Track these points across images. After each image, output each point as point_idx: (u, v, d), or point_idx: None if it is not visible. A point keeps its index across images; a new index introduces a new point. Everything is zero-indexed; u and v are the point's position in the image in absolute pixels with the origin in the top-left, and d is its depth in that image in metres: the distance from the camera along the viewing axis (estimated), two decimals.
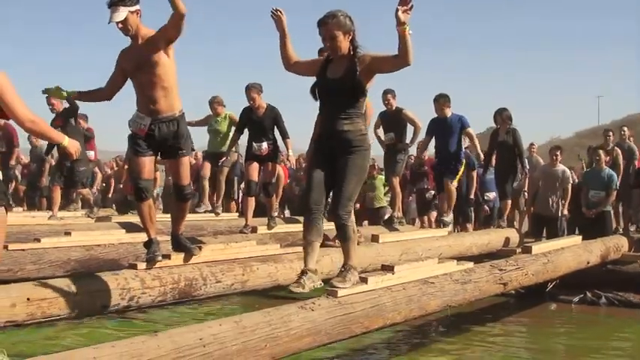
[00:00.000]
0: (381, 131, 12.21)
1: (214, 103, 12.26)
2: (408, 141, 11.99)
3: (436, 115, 11.63)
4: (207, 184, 12.25)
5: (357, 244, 8.82)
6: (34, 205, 17.07)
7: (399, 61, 5.54)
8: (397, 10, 5.28)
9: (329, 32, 5.70)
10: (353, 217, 5.82)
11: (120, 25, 6.25)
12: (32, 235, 8.31)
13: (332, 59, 5.89)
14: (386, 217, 12.91)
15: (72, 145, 4.67)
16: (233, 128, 11.59)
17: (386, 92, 12.08)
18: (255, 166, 10.30)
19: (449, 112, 11.48)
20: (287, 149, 10.69)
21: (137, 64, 6.39)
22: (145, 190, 6.51)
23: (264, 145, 10.13)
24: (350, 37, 5.76)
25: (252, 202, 10.39)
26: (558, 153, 13.25)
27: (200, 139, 12.69)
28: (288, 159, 11.32)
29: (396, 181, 12.13)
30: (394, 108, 12.00)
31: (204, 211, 11.83)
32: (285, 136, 10.39)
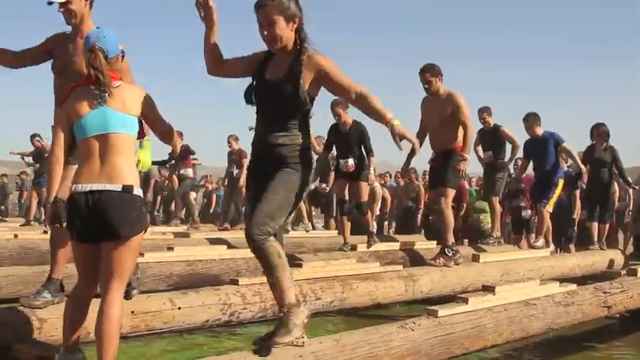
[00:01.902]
0: (480, 149, 12.12)
1: None
2: (506, 159, 11.86)
3: (528, 136, 11.34)
4: (302, 204, 12.29)
5: (456, 264, 8.79)
6: None
7: (353, 102, 4.57)
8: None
9: (266, 17, 4.43)
10: (275, 242, 4.39)
11: (61, 9, 5.27)
12: None
13: (273, 54, 4.62)
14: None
15: None
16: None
17: (481, 110, 12.01)
18: (344, 183, 10.25)
19: (540, 131, 11.15)
20: (368, 166, 10.18)
21: (72, 68, 5.28)
22: None
23: (350, 161, 9.95)
24: (295, 26, 4.50)
25: (346, 220, 10.36)
26: None
27: None
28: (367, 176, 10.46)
29: (496, 200, 12.00)
30: (491, 125, 11.89)
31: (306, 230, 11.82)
32: (368, 152, 10.06)
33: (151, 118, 4.44)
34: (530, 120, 11.10)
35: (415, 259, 9.67)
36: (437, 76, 8.81)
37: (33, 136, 16.15)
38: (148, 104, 4.38)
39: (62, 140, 4.35)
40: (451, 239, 8.86)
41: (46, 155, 15.85)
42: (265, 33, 4.43)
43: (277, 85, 4.46)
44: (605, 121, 11.83)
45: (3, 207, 23.41)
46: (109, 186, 4.12)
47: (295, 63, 4.46)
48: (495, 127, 11.88)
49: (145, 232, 4.30)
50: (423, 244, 10.61)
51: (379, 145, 9.88)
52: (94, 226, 4.11)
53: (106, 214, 4.08)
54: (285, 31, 4.45)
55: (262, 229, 4.30)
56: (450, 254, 8.75)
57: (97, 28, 4.58)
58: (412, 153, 9.43)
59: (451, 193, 8.79)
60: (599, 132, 11.70)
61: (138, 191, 4.19)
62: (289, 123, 4.48)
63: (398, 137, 4.26)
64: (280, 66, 4.52)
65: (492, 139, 11.83)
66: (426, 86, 8.85)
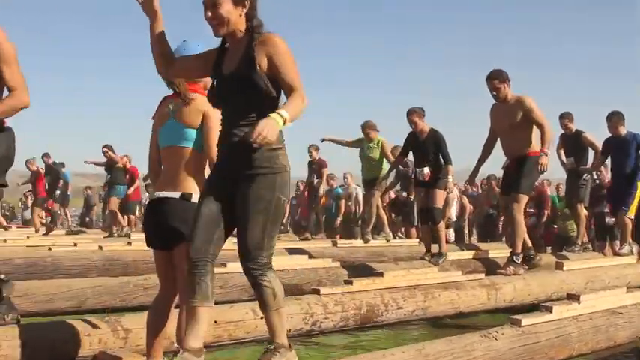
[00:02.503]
0: (562, 154, 11.96)
1: (367, 127, 12.10)
2: (588, 165, 11.65)
3: (610, 135, 10.98)
4: (382, 212, 12.25)
5: (535, 267, 8.64)
6: None
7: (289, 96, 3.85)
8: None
9: None
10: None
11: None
12: (218, 259, 8.51)
13: (227, 47, 4.11)
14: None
15: None
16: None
17: (562, 116, 11.88)
18: (422, 192, 10.16)
19: (623, 131, 10.78)
20: (446, 174, 9.95)
21: None
22: None
23: (426, 170, 9.82)
24: (244, 10, 3.96)
25: (427, 228, 10.26)
26: None
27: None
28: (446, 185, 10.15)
29: (580, 206, 11.82)
30: (573, 131, 11.72)
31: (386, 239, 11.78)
32: (446, 161, 9.87)
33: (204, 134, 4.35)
34: (614, 119, 10.77)
35: (497, 267, 9.56)
36: (505, 82, 8.67)
37: (104, 147, 16.48)
38: (195, 117, 4.36)
39: (154, 153, 4.55)
40: (520, 247, 8.71)
41: (117, 165, 16.25)
42: (209, 14, 3.91)
43: (233, 77, 3.97)
44: None
45: (88, 219, 23.89)
46: (170, 194, 4.28)
47: (248, 49, 3.92)
48: (577, 132, 11.71)
49: None
50: (505, 252, 10.49)
51: (461, 153, 9.78)
52: (160, 232, 4.30)
53: (166, 219, 4.25)
54: (233, 14, 3.92)
55: (257, 262, 3.99)
56: (518, 261, 8.63)
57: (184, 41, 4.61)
58: (480, 162, 9.40)
59: (523, 199, 8.62)
60: None
61: (197, 198, 4.20)
62: (254, 118, 3.87)
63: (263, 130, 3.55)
64: (234, 57, 4.02)
65: (574, 145, 11.67)
66: (494, 93, 8.71)
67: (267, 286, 4.02)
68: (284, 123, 3.61)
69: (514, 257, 8.61)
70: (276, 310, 4.13)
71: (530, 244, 8.98)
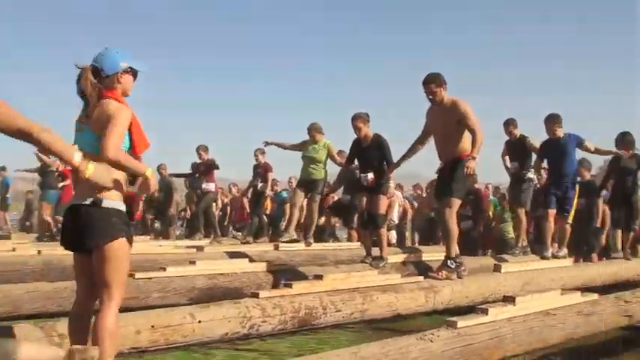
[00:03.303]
0: (507, 159, 12.11)
1: (312, 129, 12.01)
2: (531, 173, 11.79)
3: (547, 137, 10.99)
4: (296, 212, 12.18)
5: (459, 276, 8.60)
6: (161, 234, 17.59)
7: None
8: None
9: None
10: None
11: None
12: (158, 263, 8.49)
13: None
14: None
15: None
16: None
17: (507, 123, 12.02)
18: (364, 196, 10.18)
19: (561, 133, 10.78)
20: (387, 179, 10.17)
21: None
22: None
23: (370, 175, 9.78)
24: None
25: (367, 233, 10.28)
26: None
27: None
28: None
29: (522, 210, 11.96)
30: (518, 136, 11.87)
31: (289, 240, 11.60)
32: (388, 165, 9.81)
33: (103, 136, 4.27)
34: (551, 121, 10.77)
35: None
36: (441, 86, 8.65)
37: (37, 151, 16.28)
38: (104, 122, 4.29)
39: None
40: (454, 251, 8.66)
41: (50, 169, 16.07)
42: None
43: None
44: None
45: (28, 223, 23.55)
46: (81, 200, 4.32)
47: None
48: (522, 137, 11.86)
49: (130, 243, 4.43)
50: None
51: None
52: (75, 238, 4.36)
53: (77, 225, 4.31)
54: None
55: None
56: (452, 266, 8.56)
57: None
58: (403, 158, 9.40)
59: (456, 203, 8.56)
60: (625, 141, 11.53)
61: (110, 204, 4.29)
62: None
63: None
64: None
65: (519, 150, 11.82)
66: (431, 97, 8.68)
67: None
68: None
69: (448, 261, 8.57)
70: None
71: (458, 250, 8.92)
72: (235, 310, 6.16)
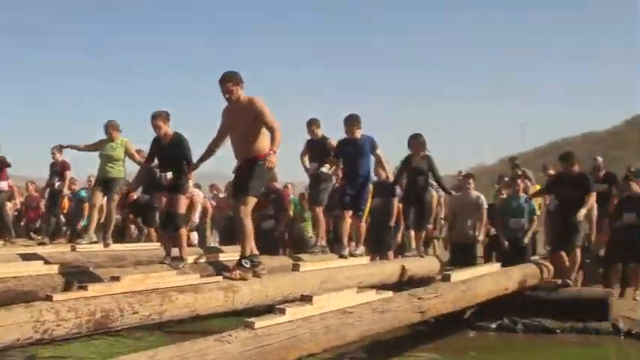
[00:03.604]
0: (306, 160, 12.23)
1: (110, 127, 11.78)
2: (332, 171, 11.90)
3: (345, 137, 11.08)
4: (95, 213, 11.96)
5: (257, 275, 8.53)
6: None
7: None
8: None
9: None
10: None
11: None
12: None
13: None
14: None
15: None
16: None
17: (310, 122, 12.09)
18: (165, 196, 10.04)
19: (359, 133, 10.94)
20: (187, 178, 9.95)
21: None
22: None
23: (169, 174, 9.76)
24: None
25: (167, 233, 10.05)
26: (471, 180, 13.69)
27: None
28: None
29: (319, 209, 12.11)
30: (320, 136, 12.01)
31: (89, 243, 11.35)
32: (188, 163, 9.74)
33: None
34: (350, 121, 10.88)
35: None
36: (238, 84, 8.61)
37: None
38: None
39: None
40: (249, 250, 8.55)
41: None
42: None
43: None
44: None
45: None
46: None
47: None
48: (323, 138, 11.97)
49: None
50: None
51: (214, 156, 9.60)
52: None
53: None
54: None
55: None
56: (247, 265, 8.40)
57: None
58: (201, 160, 9.34)
59: (251, 202, 8.46)
60: (417, 142, 11.88)
61: None
62: None
63: None
64: None
65: (320, 150, 11.89)
66: (227, 95, 8.60)
67: None
68: None
69: (243, 261, 8.46)
70: None
71: (255, 250, 8.89)
72: (27, 314, 5.91)
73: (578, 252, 11.68)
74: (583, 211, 11.52)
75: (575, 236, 11.68)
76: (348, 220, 10.98)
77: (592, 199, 11.75)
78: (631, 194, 13.00)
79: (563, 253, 11.76)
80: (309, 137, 12.19)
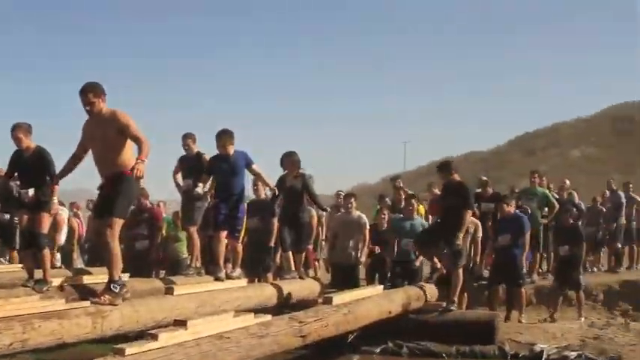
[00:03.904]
0: (179, 177, 12.10)
1: None
2: (207, 189, 11.68)
3: (217, 152, 10.86)
4: None
5: (125, 299, 8.40)
6: None
7: None
8: None
9: None
10: None
11: None
12: None
13: None
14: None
15: None
16: None
17: (185, 136, 11.99)
18: (26, 214, 9.70)
19: (231, 150, 10.71)
20: (51, 195, 9.62)
21: None
22: None
23: (31, 192, 9.37)
24: None
25: (29, 253, 9.79)
26: (352, 200, 13.80)
27: None
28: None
29: (193, 229, 12.00)
30: (195, 152, 11.89)
31: None
32: (52, 179, 9.39)
33: None
34: (223, 138, 10.67)
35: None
36: (100, 96, 8.38)
37: None
38: None
39: None
40: (118, 273, 8.29)
41: None
42: None
43: None
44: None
45: None
46: None
47: None
48: (198, 154, 11.86)
49: None
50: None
51: (72, 174, 9.34)
52: None
53: None
54: None
55: None
56: (116, 290, 8.15)
57: None
58: (59, 176, 9.11)
59: (118, 223, 8.19)
60: (291, 161, 11.77)
61: None
62: None
63: None
64: None
65: (194, 166, 11.77)
66: (88, 108, 8.37)
67: None
68: None
69: (111, 285, 8.25)
70: None
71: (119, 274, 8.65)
72: None
73: (461, 272, 11.81)
74: (460, 236, 11.59)
75: (453, 248, 11.68)
76: (224, 241, 10.79)
77: (467, 217, 11.69)
78: (504, 215, 13.44)
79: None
80: (183, 153, 12.06)
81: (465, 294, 12.93)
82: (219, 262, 10.78)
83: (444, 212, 12.24)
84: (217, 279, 10.59)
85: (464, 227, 11.65)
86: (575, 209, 15.75)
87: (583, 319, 13.69)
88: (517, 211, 13.99)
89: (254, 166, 11.00)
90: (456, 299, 11.81)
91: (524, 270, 14.25)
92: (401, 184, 16.86)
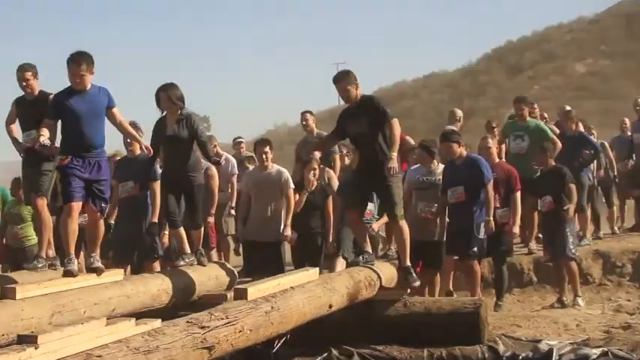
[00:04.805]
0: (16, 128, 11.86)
1: None
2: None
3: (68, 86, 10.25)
4: None
5: None
6: None
7: None
8: None
9: None
10: None
11: None
12: None
13: None
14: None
15: None
16: None
17: (22, 68, 11.81)
18: None
19: (90, 81, 10.09)
20: None
21: None
22: None
23: None
24: None
25: None
26: (267, 150, 13.34)
27: None
28: None
29: (43, 202, 11.70)
30: (37, 92, 11.63)
31: None
32: None
33: None
34: (79, 60, 9.98)
35: None
36: None
37: None
38: None
39: None
40: None
41: None
42: None
43: None
44: None
45: None
46: None
47: None
48: (43, 94, 11.71)
49: None
50: None
51: None
52: None
53: None
54: None
55: None
56: None
57: None
58: None
59: None
60: (167, 96, 11.13)
61: None
62: None
63: None
64: None
65: (38, 112, 11.53)
66: None
67: None
68: None
69: None
70: None
71: None
72: None
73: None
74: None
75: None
76: (76, 217, 10.27)
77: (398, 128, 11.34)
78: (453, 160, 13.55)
79: None
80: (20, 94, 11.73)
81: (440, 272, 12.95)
82: (69, 247, 10.25)
83: (357, 144, 12.10)
84: (68, 273, 10.00)
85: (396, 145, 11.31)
86: (592, 148, 15.69)
87: (581, 301, 13.67)
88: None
89: (115, 111, 10.50)
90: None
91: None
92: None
